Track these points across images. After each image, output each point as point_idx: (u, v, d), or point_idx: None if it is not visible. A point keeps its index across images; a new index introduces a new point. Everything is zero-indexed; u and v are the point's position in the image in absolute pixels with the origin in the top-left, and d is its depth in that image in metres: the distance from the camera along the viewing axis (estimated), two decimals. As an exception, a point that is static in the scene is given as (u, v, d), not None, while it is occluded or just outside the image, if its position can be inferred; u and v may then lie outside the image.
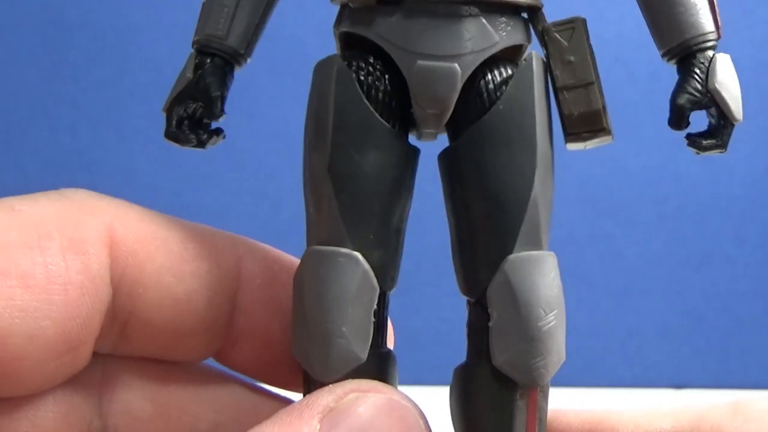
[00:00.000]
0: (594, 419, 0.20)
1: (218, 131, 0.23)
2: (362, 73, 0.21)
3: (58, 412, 0.22)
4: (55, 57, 0.91)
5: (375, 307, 0.21)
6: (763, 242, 0.91)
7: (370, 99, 0.21)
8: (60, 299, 0.20)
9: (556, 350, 0.21)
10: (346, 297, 0.21)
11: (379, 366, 0.22)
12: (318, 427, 0.19)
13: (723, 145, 0.22)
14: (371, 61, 0.22)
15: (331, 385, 0.20)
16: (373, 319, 0.21)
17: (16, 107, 0.91)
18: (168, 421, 0.22)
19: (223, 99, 0.23)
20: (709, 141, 0.22)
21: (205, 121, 0.23)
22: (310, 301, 0.21)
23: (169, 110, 0.23)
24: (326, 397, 0.19)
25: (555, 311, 0.21)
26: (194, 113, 0.23)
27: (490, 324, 0.21)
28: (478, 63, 0.21)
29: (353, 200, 0.21)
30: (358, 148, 0.21)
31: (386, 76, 0.22)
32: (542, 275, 0.21)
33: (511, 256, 0.21)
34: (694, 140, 0.22)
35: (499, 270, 0.21)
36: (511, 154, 0.21)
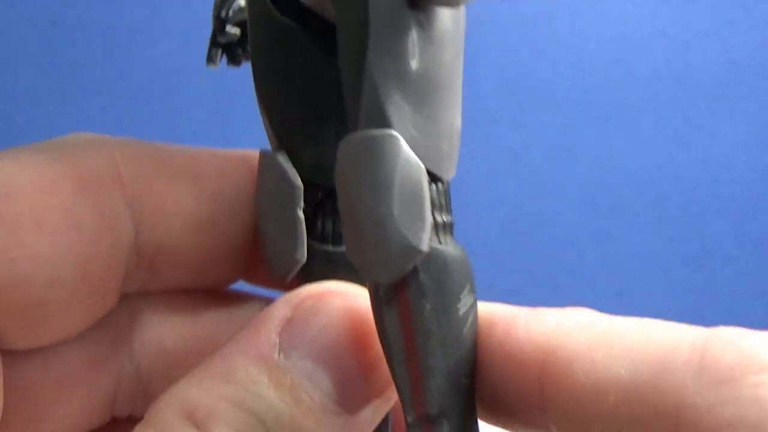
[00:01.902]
0: (548, 347, 0.18)
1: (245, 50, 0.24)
2: None
3: (88, 358, 0.21)
4: (55, 57, 0.91)
5: (301, 204, 0.20)
6: (763, 242, 0.91)
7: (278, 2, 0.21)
8: (76, 242, 0.19)
9: (396, 242, 0.17)
10: (267, 198, 0.21)
11: (335, 264, 0.21)
12: (277, 340, 0.18)
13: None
14: None
15: (288, 294, 0.19)
16: (300, 217, 0.20)
17: (16, 107, 0.91)
18: (201, 356, 0.22)
19: (222, 19, 0.23)
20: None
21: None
22: (256, 207, 0.22)
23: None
24: (283, 307, 0.18)
25: (388, 199, 0.17)
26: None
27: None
28: None
29: (272, 100, 0.21)
30: (268, 49, 0.21)
31: None
32: (371, 159, 0.17)
33: (343, 140, 0.18)
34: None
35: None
36: (348, 17, 0.18)
